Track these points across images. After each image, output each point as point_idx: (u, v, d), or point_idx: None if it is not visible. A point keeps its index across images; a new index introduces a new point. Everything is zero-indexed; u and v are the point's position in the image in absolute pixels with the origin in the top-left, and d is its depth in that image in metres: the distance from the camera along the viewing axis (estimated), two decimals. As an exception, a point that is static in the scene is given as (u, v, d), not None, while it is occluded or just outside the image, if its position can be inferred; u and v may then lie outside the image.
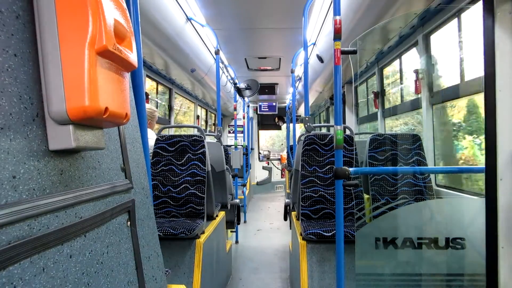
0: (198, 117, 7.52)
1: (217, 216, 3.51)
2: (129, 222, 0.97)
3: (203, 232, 2.90)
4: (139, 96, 1.37)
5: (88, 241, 0.75)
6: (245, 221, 6.96)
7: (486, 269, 1.89)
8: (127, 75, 0.88)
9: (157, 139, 3.19)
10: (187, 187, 3.08)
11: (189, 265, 2.63)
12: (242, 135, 8.89)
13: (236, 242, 5.59)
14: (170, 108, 5.59)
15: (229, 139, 10.77)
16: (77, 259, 0.70)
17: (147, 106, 3.65)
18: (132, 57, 0.77)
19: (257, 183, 11.16)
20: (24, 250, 0.57)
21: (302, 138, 3.37)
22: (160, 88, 5.26)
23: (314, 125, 3.23)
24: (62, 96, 0.66)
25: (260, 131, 12.09)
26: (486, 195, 1.91)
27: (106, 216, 0.83)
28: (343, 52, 2.13)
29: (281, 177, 11.50)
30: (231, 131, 10.87)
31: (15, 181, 0.58)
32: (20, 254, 0.56)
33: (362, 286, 2.17)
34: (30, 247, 0.58)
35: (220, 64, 5.02)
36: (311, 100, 7.46)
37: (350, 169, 2.02)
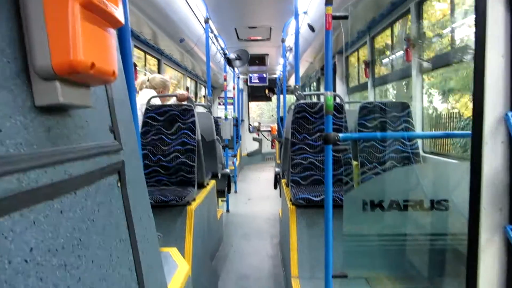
0: (187, 88, 7.44)
1: (207, 184, 3.54)
2: (119, 183, 0.97)
3: (194, 200, 2.93)
4: (127, 59, 1.35)
5: (78, 199, 0.75)
6: (235, 191, 7.05)
7: (468, 228, 1.96)
8: (114, 34, 0.86)
9: (146, 109, 3.17)
10: (178, 156, 3.09)
11: (180, 232, 2.68)
12: (232, 107, 8.85)
13: (227, 211, 5.68)
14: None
15: (219, 111, 10.72)
16: (68, 215, 0.71)
17: (159, 76, 3.59)
18: (118, 13, 0.76)
19: (248, 154, 11.22)
20: (14, 203, 0.57)
21: (293, 107, 3.38)
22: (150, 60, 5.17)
23: (304, 93, 3.23)
24: (46, 50, 0.64)
25: (250, 103, 12.04)
26: (471, 159, 1.96)
27: (95, 176, 0.84)
28: (334, 18, 2.10)
29: (272, 148, 11.57)
30: (221, 103, 10.81)
31: (1, 134, 0.57)
32: (10, 207, 0.56)
33: (349, 247, 2.25)
34: (19, 200, 0.58)
35: (210, 34, 4.93)
36: (301, 71, 7.41)
37: (340, 134, 2.04)
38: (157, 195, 2.66)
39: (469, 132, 1.96)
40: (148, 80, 3.50)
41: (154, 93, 3.40)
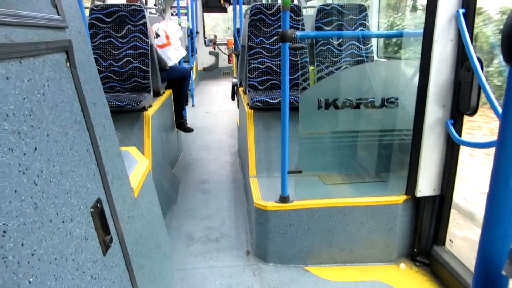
0: None
1: (164, 93, 3.47)
2: (68, 63, 0.93)
3: (150, 106, 2.88)
4: None
5: (24, 68, 0.72)
6: (193, 105, 6.99)
7: (414, 123, 2.12)
8: None
9: (91, 9, 2.91)
10: (130, 61, 2.95)
11: (138, 137, 2.67)
12: (186, 17, 8.32)
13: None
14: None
15: (172, 22, 10.08)
16: (15, 82, 0.68)
17: None
18: None
19: (204, 69, 10.94)
20: None
21: (249, 11, 3.24)
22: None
23: (261, -7, 3.09)
24: None
25: (205, 14, 11.39)
26: (421, 56, 2.04)
27: (41, 48, 0.79)
28: None
29: (228, 63, 11.30)
30: (174, 13, 10.14)
31: None
32: None
33: (304, 147, 2.37)
34: None
35: None
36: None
37: (297, 32, 2.01)
38: (112, 100, 2.58)
39: (421, 31, 2.01)
40: None
41: None
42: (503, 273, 0.69)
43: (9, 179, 0.59)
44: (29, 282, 0.59)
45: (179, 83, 3.88)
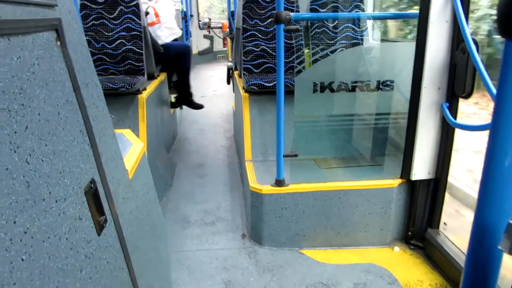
0: None
1: (158, 76, 3.44)
2: (58, 42, 0.91)
3: (145, 89, 2.86)
4: None
5: (13, 46, 0.71)
6: None
7: (409, 106, 2.11)
8: None
9: None
10: (123, 43, 2.90)
11: (133, 120, 2.65)
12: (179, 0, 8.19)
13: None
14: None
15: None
16: (4, 60, 0.67)
17: None
18: None
19: (199, 53, 10.82)
20: None
21: None
22: None
23: (255, -27, 3.04)
24: None
25: (199, -4, 11.21)
26: (417, 38, 2.02)
27: (30, 26, 0.78)
28: None
29: (223, 47, 11.18)
30: (168, -5, 9.96)
31: None
32: None
33: (299, 130, 2.36)
34: None
35: None
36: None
37: (291, 14, 1.98)
38: (106, 82, 2.55)
39: (417, 12, 1.99)
40: None
41: None
42: (500, 247, 0.70)
43: None
44: (22, 260, 0.59)
45: (179, 60, 3.78)
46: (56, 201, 0.74)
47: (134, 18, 2.90)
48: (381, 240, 2.32)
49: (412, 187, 2.25)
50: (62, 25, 0.94)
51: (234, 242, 2.36)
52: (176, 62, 3.75)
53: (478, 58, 1.64)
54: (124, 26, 2.91)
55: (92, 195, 0.91)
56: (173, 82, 4.11)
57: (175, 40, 3.69)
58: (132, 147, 1.57)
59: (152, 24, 3.30)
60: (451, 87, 1.96)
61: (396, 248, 2.29)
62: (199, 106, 4.29)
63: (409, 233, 2.31)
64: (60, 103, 0.86)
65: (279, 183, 2.23)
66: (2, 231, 0.55)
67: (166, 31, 3.36)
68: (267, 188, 2.22)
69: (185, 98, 4.17)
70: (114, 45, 2.91)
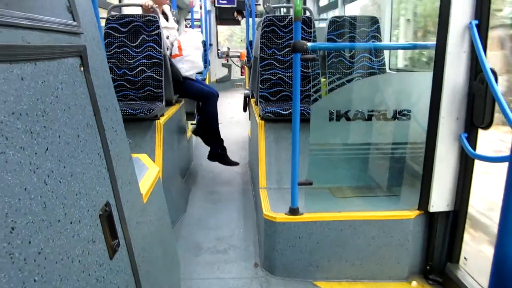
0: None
1: (176, 103, 3.50)
2: (82, 68, 0.95)
3: (162, 115, 2.91)
4: None
5: (39, 71, 0.73)
6: None
7: (427, 136, 2.09)
8: None
9: (107, 19, 2.98)
10: (144, 70, 2.99)
11: (150, 145, 2.69)
12: (199, 29, 8.45)
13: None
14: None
15: (192, 31, 10.22)
16: (30, 84, 0.69)
17: None
18: None
19: (217, 81, 11.04)
20: None
21: (261, 22, 3.28)
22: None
23: (273, 5, 3.13)
24: None
25: (218, 27, 11.55)
26: (434, 68, 2.02)
27: (56, 52, 0.81)
28: None
29: (241, 75, 11.39)
30: (188, 25, 10.30)
31: None
32: None
33: (315, 156, 2.35)
34: None
35: None
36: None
37: (308, 43, 2.02)
38: (125, 108, 2.61)
39: (434, 43, 2.00)
40: None
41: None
42: None
43: (19, 177, 0.60)
44: (34, 280, 0.59)
45: (202, 101, 3.61)
46: (71, 223, 0.74)
47: (155, 46, 3.00)
48: (398, 274, 2.24)
49: (430, 219, 2.19)
50: (87, 52, 0.98)
51: (246, 271, 2.32)
52: (199, 101, 3.60)
53: (497, 88, 1.62)
54: (145, 54, 3.01)
55: (106, 218, 0.92)
56: (197, 119, 3.88)
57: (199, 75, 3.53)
58: (148, 172, 1.58)
59: (175, 56, 3.33)
60: (469, 118, 1.94)
61: (414, 283, 2.21)
62: (233, 163, 3.77)
63: (428, 267, 2.23)
64: (80, 126, 0.88)
65: (293, 211, 2.20)
66: (17, 251, 0.56)
67: (187, 64, 3.35)
68: (281, 216, 2.19)
69: (216, 151, 3.73)
70: (135, 72, 3.00)
